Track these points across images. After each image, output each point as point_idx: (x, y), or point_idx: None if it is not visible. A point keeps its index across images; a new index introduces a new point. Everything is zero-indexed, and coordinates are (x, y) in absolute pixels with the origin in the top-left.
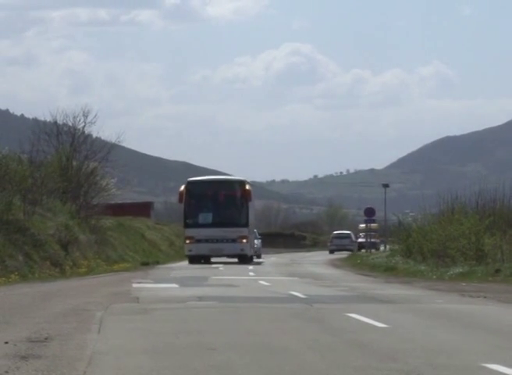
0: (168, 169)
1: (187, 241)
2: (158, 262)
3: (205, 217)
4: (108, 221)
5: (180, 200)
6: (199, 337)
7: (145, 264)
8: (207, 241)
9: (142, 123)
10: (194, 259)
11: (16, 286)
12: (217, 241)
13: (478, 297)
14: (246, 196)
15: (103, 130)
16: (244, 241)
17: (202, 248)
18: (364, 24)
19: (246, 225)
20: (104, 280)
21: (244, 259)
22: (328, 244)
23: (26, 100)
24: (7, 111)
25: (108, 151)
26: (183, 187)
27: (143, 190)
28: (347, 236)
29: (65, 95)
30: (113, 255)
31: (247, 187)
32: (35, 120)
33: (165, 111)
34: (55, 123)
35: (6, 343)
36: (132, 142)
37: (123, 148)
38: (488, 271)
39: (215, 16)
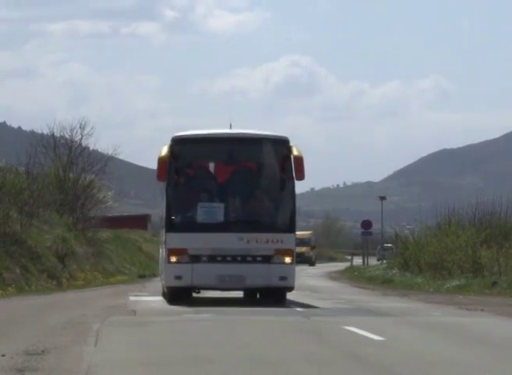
0: None
1: (172, 259)
2: (155, 275)
3: (210, 211)
4: (105, 233)
5: (160, 176)
6: (195, 349)
7: (142, 277)
8: (213, 258)
9: (140, 136)
10: (181, 295)
11: (12, 298)
12: (233, 259)
13: (475, 310)
14: (292, 171)
15: (100, 142)
16: (288, 259)
17: (203, 274)
18: (364, 37)
19: (290, 228)
20: (101, 293)
21: (282, 297)
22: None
23: (25, 112)
24: (4, 123)
25: (105, 163)
26: (164, 151)
27: (140, 202)
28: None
29: (64, 107)
30: (110, 267)
31: (296, 152)
32: (32, 133)
33: (163, 123)
34: (52, 135)
35: (3, 355)
36: (129, 154)
37: (120, 160)
38: (485, 284)
39: (215, 28)
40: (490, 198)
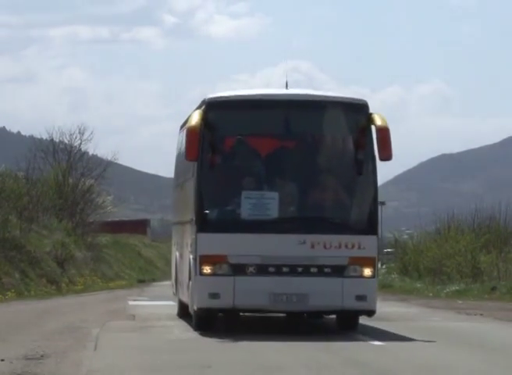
0: (164, 187)
1: (205, 269)
2: (154, 280)
3: (259, 204)
4: (104, 238)
5: (191, 153)
6: (195, 354)
7: (141, 281)
8: (263, 269)
9: (139, 141)
10: (215, 319)
11: (12, 303)
12: (292, 270)
13: (475, 315)
14: (373, 148)
15: (99, 147)
16: (368, 271)
17: (249, 291)
18: (364, 42)
19: (371, 227)
20: (101, 298)
21: (355, 323)
22: None
23: (24, 117)
24: (4, 128)
25: (105, 168)
26: (195, 119)
27: (139, 207)
28: None
29: (64, 113)
30: (109, 272)
31: (379, 121)
32: (32, 138)
33: (163, 128)
34: (52, 140)
35: (2, 360)
36: (129, 159)
37: (120, 165)
38: (484, 289)
39: (215, 34)
40: (490, 203)
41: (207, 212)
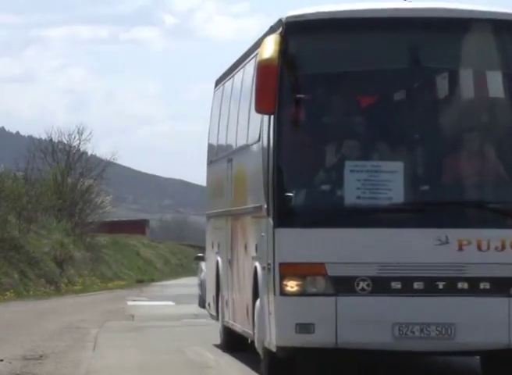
0: (163, 187)
1: (289, 286)
2: (153, 280)
3: (373, 182)
4: (103, 239)
5: (264, 100)
6: (194, 354)
7: (140, 282)
8: (383, 285)
9: (139, 141)
10: (296, 364)
11: (10, 303)
12: (430, 287)
13: None
14: None
15: (99, 147)
16: None
17: (362, 320)
18: None
19: None
20: (99, 298)
21: None
22: None
23: (23, 117)
24: (3, 128)
25: (103, 168)
26: (269, 49)
27: (138, 207)
28: None
29: (63, 113)
30: (108, 272)
31: None
32: (30, 138)
33: (163, 129)
34: (51, 140)
35: (1, 361)
36: (128, 160)
37: (119, 165)
38: None
39: (215, 34)
40: None
41: (290, 195)
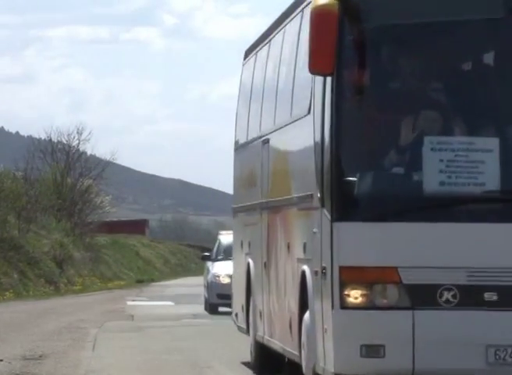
0: (163, 187)
1: (352, 295)
2: (152, 280)
3: (459, 163)
4: (103, 239)
5: (320, 59)
6: (194, 354)
7: (140, 282)
8: (476, 296)
9: (138, 141)
10: None
11: (10, 303)
12: None
13: None
14: None
15: (98, 147)
16: None
17: (445, 341)
18: None
19: None
20: (99, 298)
21: None
22: None
23: (23, 117)
24: (2, 128)
25: (103, 168)
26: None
27: (137, 207)
28: None
29: (63, 113)
30: (108, 272)
31: None
32: (30, 138)
33: (162, 128)
34: (50, 140)
35: (1, 360)
36: (127, 159)
37: (118, 165)
38: None
39: (215, 34)
40: None
41: (353, 179)
